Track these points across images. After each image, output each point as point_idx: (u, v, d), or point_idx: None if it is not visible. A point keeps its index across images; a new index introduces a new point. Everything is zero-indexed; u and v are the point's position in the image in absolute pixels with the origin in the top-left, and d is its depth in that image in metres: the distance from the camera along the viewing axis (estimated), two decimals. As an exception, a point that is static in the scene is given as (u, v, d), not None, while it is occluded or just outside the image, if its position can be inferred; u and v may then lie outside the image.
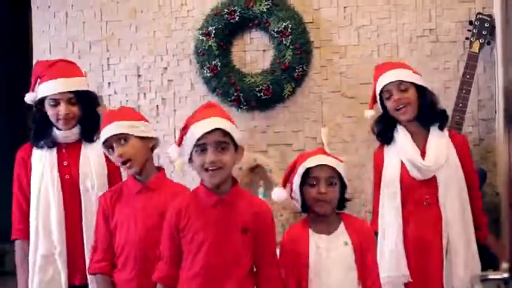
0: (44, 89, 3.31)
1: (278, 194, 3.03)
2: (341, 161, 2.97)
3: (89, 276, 3.23)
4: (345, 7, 4.46)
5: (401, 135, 3.35)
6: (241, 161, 4.17)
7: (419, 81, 3.31)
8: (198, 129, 2.66)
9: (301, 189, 2.91)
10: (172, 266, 2.76)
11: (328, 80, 4.47)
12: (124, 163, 3.00)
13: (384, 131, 3.41)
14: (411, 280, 3.25)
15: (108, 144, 3.03)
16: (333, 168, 2.88)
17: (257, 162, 4.33)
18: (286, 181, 3.01)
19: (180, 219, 2.73)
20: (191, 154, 2.69)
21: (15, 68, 5.19)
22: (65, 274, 3.24)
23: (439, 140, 3.30)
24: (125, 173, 3.52)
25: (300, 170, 2.90)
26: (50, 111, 3.30)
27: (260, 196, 4.29)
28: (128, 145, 3.01)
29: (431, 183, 3.27)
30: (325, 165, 2.88)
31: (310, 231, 2.91)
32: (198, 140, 2.64)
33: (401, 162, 3.33)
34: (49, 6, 4.82)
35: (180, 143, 2.77)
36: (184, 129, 2.76)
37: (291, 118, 4.52)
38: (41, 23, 4.84)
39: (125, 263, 2.99)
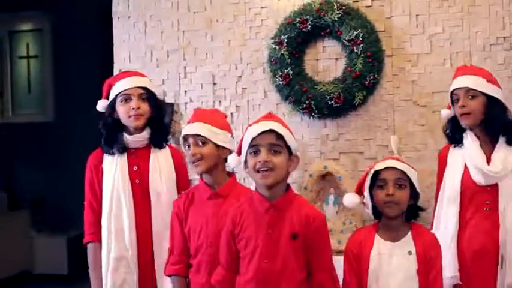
0: (116, 89, 3.46)
1: (349, 198, 3.08)
2: (414, 169, 3.01)
3: (158, 280, 3.35)
4: (417, 15, 4.43)
5: (469, 140, 3.35)
6: (311, 168, 4.28)
7: (489, 90, 3.30)
8: (252, 130, 2.76)
9: (371, 193, 2.96)
10: (228, 270, 2.85)
11: (400, 88, 4.46)
12: (194, 161, 3.10)
13: (453, 132, 3.43)
14: (460, 282, 3.24)
15: (186, 139, 3.15)
16: (403, 172, 2.91)
17: (327, 170, 4.36)
18: (360, 188, 3.06)
19: (235, 226, 2.82)
20: (246, 157, 2.77)
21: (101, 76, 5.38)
22: (136, 277, 3.36)
23: (506, 150, 3.28)
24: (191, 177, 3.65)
25: (370, 173, 2.95)
26: (121, 109, 3.43)
27: (330, 204, 4.33)
28: (204, 148, 3.12)
29: (493, 189, 3.27)
30: (394, 167, 2.92)
31: (376, 236, 2.96)
32: (252, 141, 2.72)
33: (465, 166, 3.34)
34: (129, 17, 4.99)
35: (239, 152, 2.85)
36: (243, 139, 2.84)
37: (363, 126, 4.53)
38: (121, 33, 5.01)
39: (199, 266, 3.10)
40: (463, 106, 3.29)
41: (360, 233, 3.07)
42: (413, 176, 2.95)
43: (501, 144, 3.31)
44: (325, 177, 4.41)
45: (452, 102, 3.39)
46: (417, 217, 3.02)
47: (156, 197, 3.38)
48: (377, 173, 2.95)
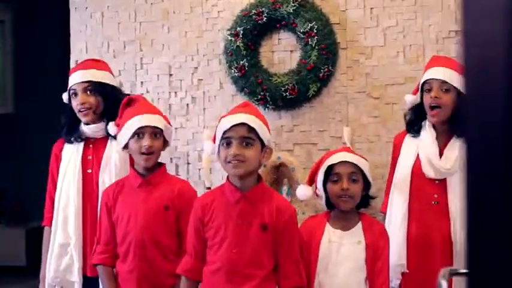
0: (69, 83, 3.49)
1: (303, 191, 3.11)
2: (365, 159, 3.05)
3: None
4: (371, 8, 4.45)
5: (427, 131, 3.37)
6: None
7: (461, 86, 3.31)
8: (225, 123, 2.76)
9: (324, 186, 2.99)
10: (196, 259, 2.84)
11: (353, 80, 4.47)
12: (147, 154, 3.11)
13: (414, 121, 3.44)
14: (407, 271, 3.27)
15: (139, 131, 3.13)
16: (356, 165, 2.96)
17: (281, 161, 4.38)
18: (312, 179, 3.09)
19: (204, 214, 2.81)
20: (219, 148, 2.79)
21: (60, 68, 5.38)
22: (79, 264, 3.37)
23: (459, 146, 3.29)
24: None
25: (323, 167, 2.99)
26: (73, 104, 3.47)
27: (284, 194, 4.35)
28: (157, 140, 3.14)
29: (441, 183, 3.29)
30: (347, 161, 2.96)
31: (327, 225, 3.00)
32: (224, 133, 2.73)
33: (417, 157, 3.36)
34: (86, 8, 4.96)
35: (215, 140, 2.87)
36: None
37: (317, 118, 4.54)
38: (79, 24, 4.97)
39: (126, 254, 3.11)
40: (436, 97, 3.29)
41: (311, 221, 3.11)
42: (365, 168, 2.99)
43: (456, 141, 3.32)
44: (279, 168, 4.44)
45: (422, 91, 3.40)
46: (368, 205, 3.07)
47: (103, 186, 3.39)
48: (330, 166, 2.98)
